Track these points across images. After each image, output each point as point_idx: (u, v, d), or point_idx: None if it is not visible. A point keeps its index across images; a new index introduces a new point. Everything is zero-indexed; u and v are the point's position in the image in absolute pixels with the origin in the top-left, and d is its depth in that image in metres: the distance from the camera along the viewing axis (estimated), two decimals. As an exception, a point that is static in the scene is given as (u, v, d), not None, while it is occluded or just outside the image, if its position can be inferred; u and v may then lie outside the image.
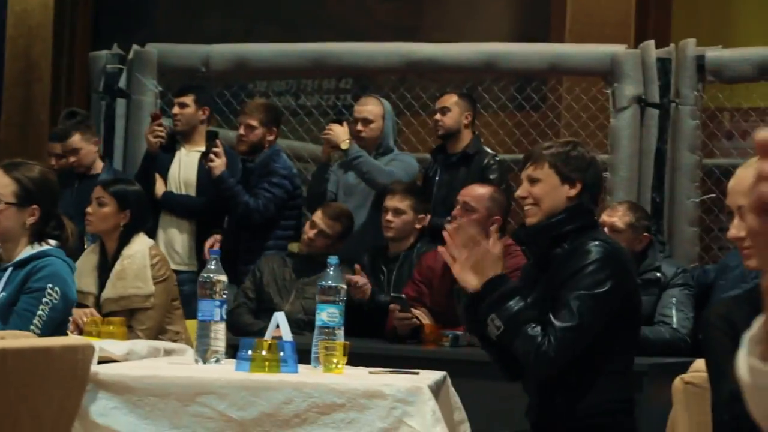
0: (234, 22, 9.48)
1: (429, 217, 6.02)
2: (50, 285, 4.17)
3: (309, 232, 6.00)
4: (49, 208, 4.34)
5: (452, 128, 6.42)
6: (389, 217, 5.93)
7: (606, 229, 5.19)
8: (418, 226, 5.97)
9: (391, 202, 5.95)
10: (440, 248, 3.76)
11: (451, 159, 6.44)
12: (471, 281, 3.68)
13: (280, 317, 4.01)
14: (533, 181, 3.79)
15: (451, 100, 6.48)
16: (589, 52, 7.03)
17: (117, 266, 5.34)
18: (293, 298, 5.89)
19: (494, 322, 3.64)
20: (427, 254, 5.75)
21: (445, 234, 3.73)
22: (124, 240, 5.39)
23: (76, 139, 6.74)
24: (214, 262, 3.95)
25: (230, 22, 9.47)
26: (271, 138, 6.58)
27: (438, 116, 6.46)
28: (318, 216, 6.02)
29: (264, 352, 3.72)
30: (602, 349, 3.67)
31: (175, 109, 6.70)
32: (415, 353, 5.22)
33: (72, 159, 6.72)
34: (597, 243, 3.69)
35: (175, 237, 6.57)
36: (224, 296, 3.94)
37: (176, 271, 5.77)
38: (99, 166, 6.82)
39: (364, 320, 5.48)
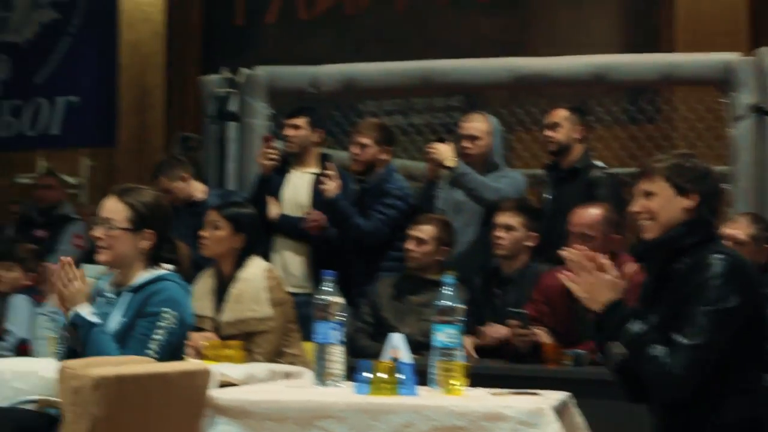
0: (341, 43, 9.47)
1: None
2: (167, 309, 4.14)
3: (408, 246, 5.93)
4: (163, 231, 4.32)
5: (563, 143, 6.32)
6: (499, 233, 5.81)
7: (728, 242, 5.03)
8: (529, 243, 5.84)
9: (502, 218, 5.84)
10: (561, 274, 3.67)
11: (561, 174, 6.33)
12: (593, 305, 3.60)
13: (396, 338, 3.95)
14: (648, 195, 3.70)
15: (560, 115, 6.38)
16: (702, 61, 6.87)
17: (233, 289, 5.32)
18: (410, 320, 5.80)
19: (616, 349, 3.55)
20: (546, 273, 5.60)
21: (564, 259, 3.65)
22: (240, 263, 5.37)
23: (163, 182, 6.73)
24: (329, 284, 3.90)
25: (337, 43, 9.46)
26: (384, 157, 6.52)
27: (548, 132, 6.37)
28: (411, 230, 5.95)
29: (383, 375, 3.65)
30: (728, 366, 3.54)
31: (288, 131, 6.65)
32: (536, 373, 5.11)
33: (168, 198, 6.71)
34: (720, 256, 3.57)
35: (291, 259, 6.53)
36: (341, 318, 3.89)
37: (292, 294, 5.72)
38: (199, 191, 6.78)
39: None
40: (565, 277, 3.65)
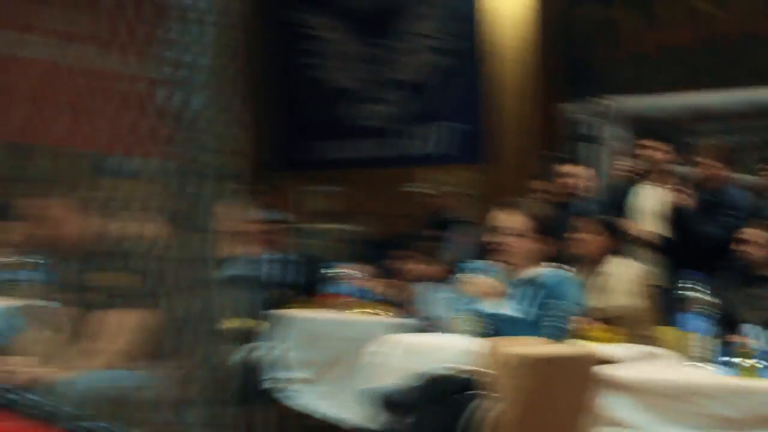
0: (687, 74, 9.21)
1: None
2: (561, 300, 4.27)
3: (741, 247, 5.73)
4: (550, 235, 4.46)
5: None
6: None
7: None
8: None
9: None
10: None
11: None
12: None
13: (748, 328, 3.90)
14: None
15: None
16: None
17: (603, 281, 5.41)
18: (751, 314, 5.65)
19: None
20: None
21: None
22: (606, 260, 5.45)
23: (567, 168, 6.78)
24: (694, 282, 3.93)
25: (683, 74, 9.21)
26: (724, 173, 6.37)
27: None
28: (742, 234, 5.74)
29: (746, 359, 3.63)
30: None
31: (647, 152, 6.59)
32: None
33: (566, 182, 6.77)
34: None
35: (646, 260, 6.51)
36: (706, 311, 3.90)
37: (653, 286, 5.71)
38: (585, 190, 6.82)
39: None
40: None
